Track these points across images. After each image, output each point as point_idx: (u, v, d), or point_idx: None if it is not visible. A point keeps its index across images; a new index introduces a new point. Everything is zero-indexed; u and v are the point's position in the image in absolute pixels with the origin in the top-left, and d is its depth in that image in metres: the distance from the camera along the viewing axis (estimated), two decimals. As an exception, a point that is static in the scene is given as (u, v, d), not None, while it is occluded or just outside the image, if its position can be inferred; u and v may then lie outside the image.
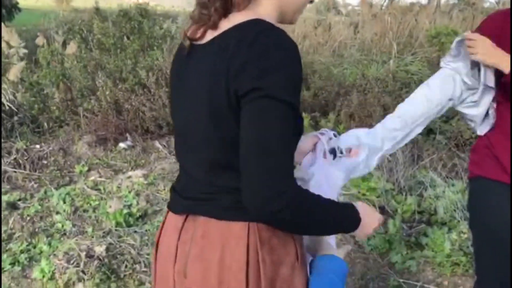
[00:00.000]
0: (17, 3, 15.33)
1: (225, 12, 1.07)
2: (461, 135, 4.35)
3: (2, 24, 6.50)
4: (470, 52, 1.67)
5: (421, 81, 5.23)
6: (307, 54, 6.27)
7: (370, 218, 1.18)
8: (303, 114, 4.45)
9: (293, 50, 1.00)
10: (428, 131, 4.52)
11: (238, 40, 0.99)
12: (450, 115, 4.44)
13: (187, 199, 1.13)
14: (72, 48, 5.73)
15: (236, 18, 1.05)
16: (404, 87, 5.01)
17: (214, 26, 1.07)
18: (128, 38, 5.84)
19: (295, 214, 0.99)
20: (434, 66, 5.54)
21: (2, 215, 3.32)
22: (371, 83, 4.79)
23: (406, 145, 3.88)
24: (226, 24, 1.05)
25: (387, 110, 4.45)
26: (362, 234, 1.18)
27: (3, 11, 14.37)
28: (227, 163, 1.04)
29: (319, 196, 1.06)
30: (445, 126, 4.49)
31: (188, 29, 1.12)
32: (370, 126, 4.07)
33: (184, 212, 1.13)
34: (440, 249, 2.88)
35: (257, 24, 1.02)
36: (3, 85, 5.41)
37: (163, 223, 1.21)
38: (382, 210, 3.24)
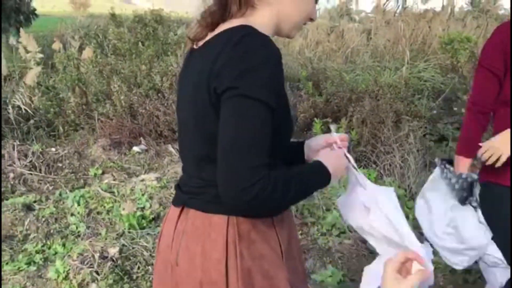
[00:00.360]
0: (35, 9, 15.59)
1: (222, 19, 1.16)
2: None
3: (22, 29, 6.63)
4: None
5: (433, 88, 5.24)
6: (320, 61, 6.29)
7: (335, 160, 1.20)
8: (316, 120, 4.48)
9: (274, 54, 1.05)
10: (441, 138, 4.51)
11: (224, 43, 1.07)
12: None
13: (184, 192, 1.22)
14: (88, 53, 5.83)
15: (229, 24, 1.13)
16: (416, 93, 5.01)
17: (211, 31, 1.16)
18: (143, 43, 5.92)
19: (268, 202, 1.03)
20: (447, 73, 5.54)
21: (17, 216, 3.38)
22: (384, 90, 4.80)
23: (418, 151, 3.89)
24: (220, 30, 1.14)
25: (399, 116, 4.46)
26: (336, 178, 1.21)
27: (21, 17, 14.63)
28: (212, 158, 1.09)
29: (287, 174, 1.10)
30: (458, 132, 4.48)
31: (191, 34, 1.22)
32: (382, 132, 4.06)
33: (180, 204, 1.21)
34: (451, 255, 2.87)
35: (244, 29, 1.09)
36: (20, 89, 5.52)
37: (166, 214, 1.30)
38: (393, 216, 3.23)
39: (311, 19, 1.23)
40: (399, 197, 3.44)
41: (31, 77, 5.31)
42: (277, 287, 1.17)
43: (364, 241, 3.05)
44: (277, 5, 1.17)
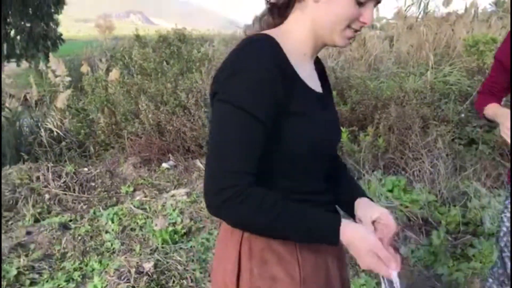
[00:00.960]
0: (61, 34, 16.04)
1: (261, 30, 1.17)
2: (505, 143, 4.26)
3: (50, 54, 6.85)
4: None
5: (460, 91, 5.18)
6: (343, 70, 6.29)
7: (360, 241, 1.03)
8: (341, 129, 4.47)
9: (266, 58, 1.02)
10: (470, 141, 4.45)
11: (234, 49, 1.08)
12: (493, 125, 4.36)
13: None
14: (115, 74, 5.98)
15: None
16: (443, 98, 4.96)
17: None
18: (167, 62, 6.05)
19: (237, 212, 1.00)
20: (473, 75, 5.47)
21: (54, 235, 3.48)
22: (409, 95, 4.77)
23: (447, 155, 3.85)
24: None
25: (426, 121, 4.42)
26: (358, 258, 1.05)
27: (49, 42, 15.08)
28: None
29: (278, 198, 1.03)
30: (487, 135, 4.41)
31: None
32: (410, 138, 4.02)
33: None
34: (488, 260, 2.83)
35: (256, 36, 1.09)
36: (51, 112, 5.69)
37: None
38: (425, 222, 3.21)
39: (363, 23, 1.11)
40: (430, 203, 3.39)
41: (61, 100, 5.48)
42: None
43: (405, 257, 3.02)
44: (311, 12, 1.11)
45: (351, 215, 1.26)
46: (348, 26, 1.11)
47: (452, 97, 4.91)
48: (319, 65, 1.27)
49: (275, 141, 1.05)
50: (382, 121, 4.41)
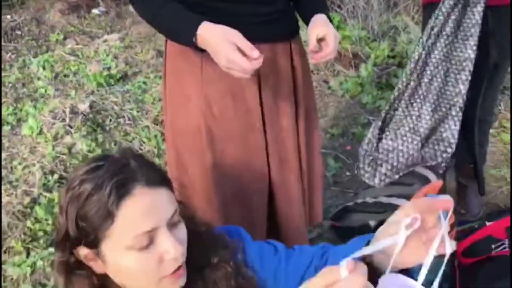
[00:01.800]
0: None
1: None
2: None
3: None
4: None
5: None
6: None
7: (217, 34, 1.04)
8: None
9: None
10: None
11: None
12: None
13: None
14: None
15: None
16: None
17: None
18: None
19: (137, 10, 1.20)
20: None
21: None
22: None
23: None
24: None
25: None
26: (215, 57, 1.06)
27: None
28: None
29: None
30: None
31: None
32: None
33: None
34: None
35: None
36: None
37: None
38: (355, 56, 3.32)
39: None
40: (361, 38, 3.47)
41: None
42: None
43: (334, 90, 3.15)
44: None
45: None
46: None
47: None
48: None
49: None
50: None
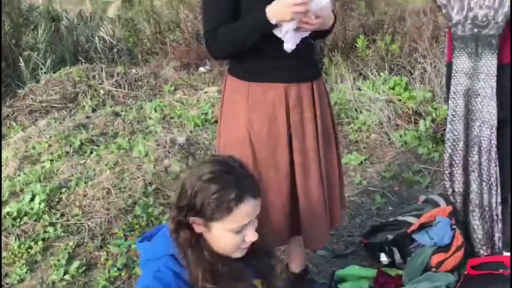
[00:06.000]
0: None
1: None
2: None
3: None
4: None
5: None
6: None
7: (277, 5, 1.57)
8: (361, 36, 4.87)
9: None
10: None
11: None
12: None
13: None
14: (159, -13, 6.51)
15: None
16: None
17: None
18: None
19: (216, 44, 1.71)
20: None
21: (108, 119, 4.24)
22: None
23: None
24: None
25: (439, 30, 4.74)
26: (279, 17, 1.57)
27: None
28: None
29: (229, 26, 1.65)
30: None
31: None
32: (420, 45, 4.33)
33: None
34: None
35: None
36: (104, 22, 6.37)
37: None
38: (416, 113, 3.70)
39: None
40: (425, 100, 3.79)
41: (112, 10, 6.12)
42: None
43: (392, 142, 3.55)
44: None
45: None
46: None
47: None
48: None
49: None
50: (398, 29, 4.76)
